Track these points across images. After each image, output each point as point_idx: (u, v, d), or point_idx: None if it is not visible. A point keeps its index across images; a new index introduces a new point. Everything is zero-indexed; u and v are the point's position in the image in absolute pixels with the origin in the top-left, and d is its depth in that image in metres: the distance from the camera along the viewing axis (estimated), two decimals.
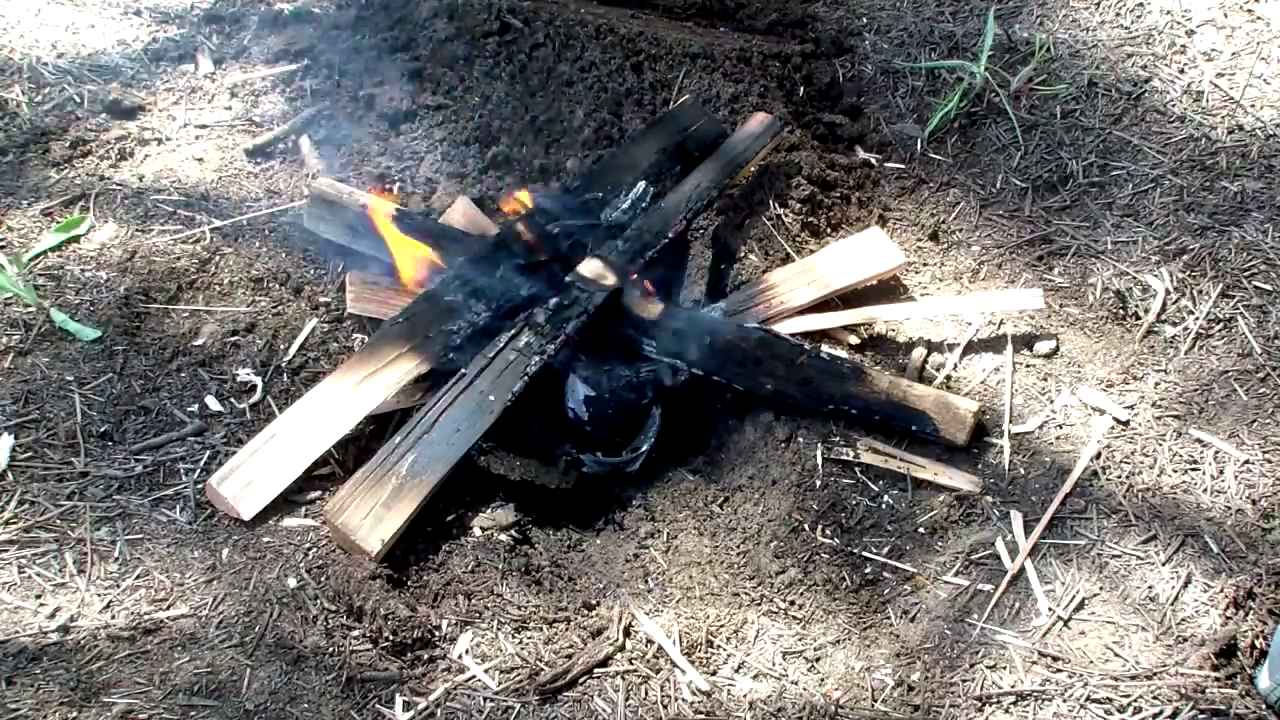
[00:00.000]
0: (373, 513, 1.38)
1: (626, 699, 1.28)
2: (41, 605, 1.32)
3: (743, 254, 1.73)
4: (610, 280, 1.61)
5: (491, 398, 1.49)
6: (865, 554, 1.42)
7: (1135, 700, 1.22)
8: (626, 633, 1.35)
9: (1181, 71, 1.86)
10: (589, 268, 1.62)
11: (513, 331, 1.55)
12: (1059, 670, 1.26)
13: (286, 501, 1.43)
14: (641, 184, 1.72)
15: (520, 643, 1.34)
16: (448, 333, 1.56)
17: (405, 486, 1.40)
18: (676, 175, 1.80)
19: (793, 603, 1.39)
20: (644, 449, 1.58)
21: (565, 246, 1.67)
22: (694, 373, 1.59)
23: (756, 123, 1.83)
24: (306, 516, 1.43)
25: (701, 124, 1.85)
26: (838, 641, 1.35)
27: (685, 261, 1.78)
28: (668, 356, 1.60)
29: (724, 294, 1.72)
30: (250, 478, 1.41)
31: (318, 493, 1.45)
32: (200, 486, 1.43)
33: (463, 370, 1.51)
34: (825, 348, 1.59)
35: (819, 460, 1.49)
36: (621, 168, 1.77)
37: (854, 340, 1.63)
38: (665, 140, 1.81)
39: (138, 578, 1.35)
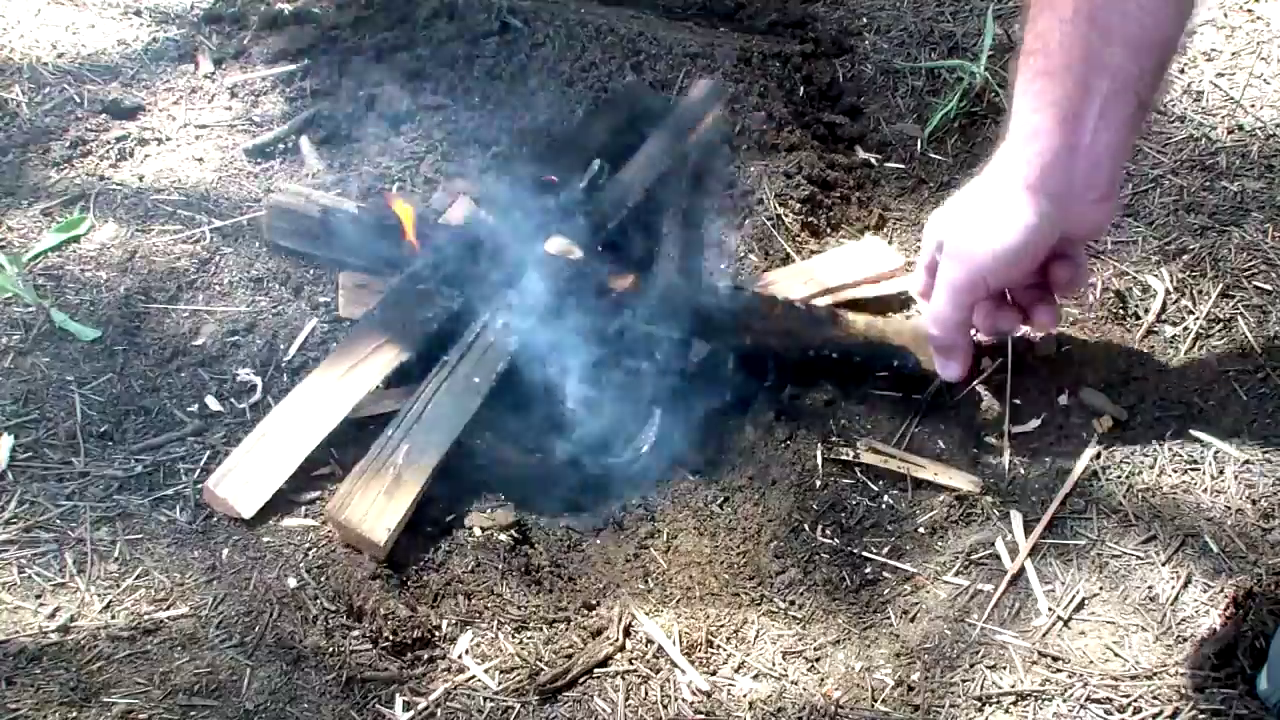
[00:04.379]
0: (375, 504, 1.38)
1: (626, 699, 1.29)
2: (41, 605, 1.32)
3: (742, 254, 1.73)
4: (576, 254, 1.62)
5: (476, 379, 1.50)
6: (865, 554, 1.42)
7: (1135, 700, 1.22)
8: (626, 633, 1.35)
9: (1181, 71, 1.86)
10: (554, 245, 1.63)
11: (488, 315, 1.56)
12: (1059, 670, 1.26)
13: (286, 501, 1.43)
14: (596, 162, 1.72)
15: (520, 643, 1.34)
16: (424, 320, 1.57)
17: (403, 475, 1.41)
18: (628, 151, 1.80)
19: (793, 603, 1.39)
20: (644, 449, 1.58)
21: (527, 230, 1.67)
22: (674, 337, 1.60)
23: (700, 88, 1.86)
24: (306, 516, 1.43)
25: (646, 101, 1.86)
26: (838, 641, 1.35)
27: (658, 233, 1.77)
28: (646, 324, 1.60)
29: None
30: (246, 477, 1.42)
31: (317, 492, 1.45)
32: (200, 486, 1.43)
33: (444, 358, 1.52)
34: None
35: (819, 460, 1.49)
36: (571, 151, 1.78)
37: None
38: (612, 120, 1.82)
39: (138, 578, 1.35)
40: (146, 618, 1.31)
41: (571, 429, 1.59)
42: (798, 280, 1.68)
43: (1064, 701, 1.24)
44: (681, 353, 1.61)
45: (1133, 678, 1.24)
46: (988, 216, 1.32)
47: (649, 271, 1.69)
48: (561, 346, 1.58)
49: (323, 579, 1.35)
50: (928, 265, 1.46)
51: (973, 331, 1.46)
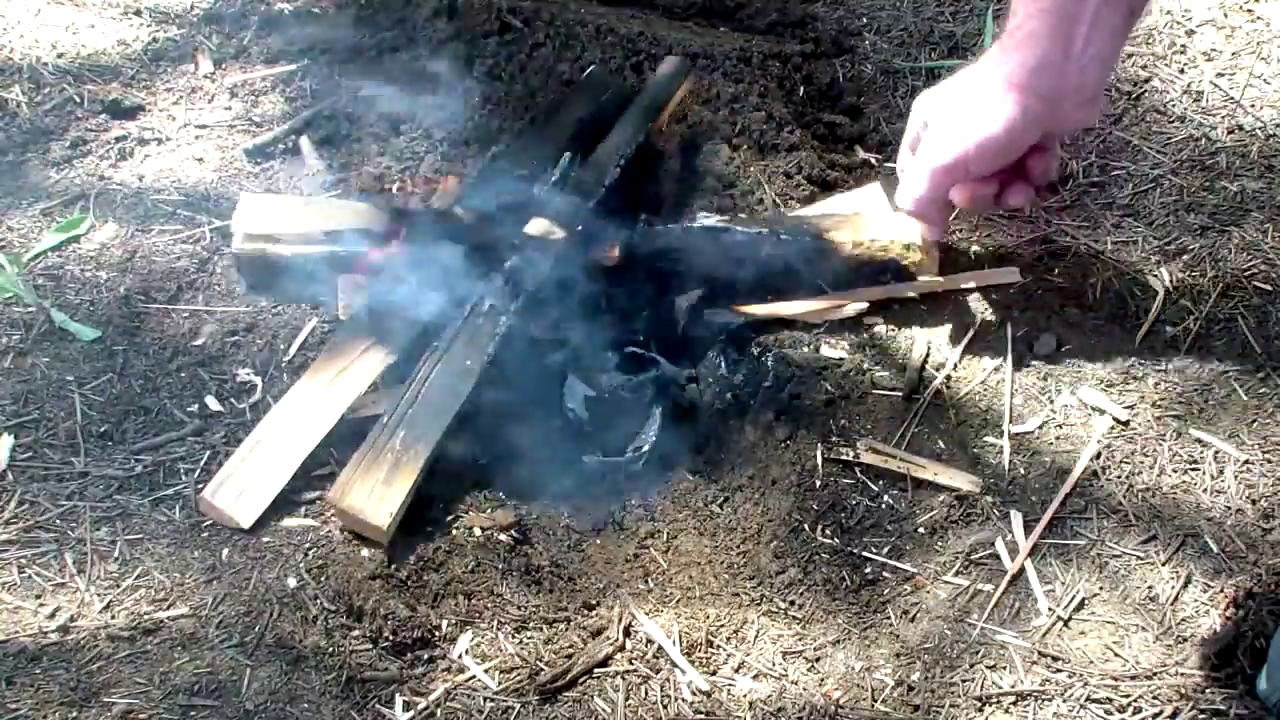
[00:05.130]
0: (375, 490, 1.39)
1: (626, 699, 1.29)
2: (41, 605, 1.32)
3: None
4: (559, 234, 1.62)
5: (468, 362, 1.51)
6: (865, 554, 1.42)
7: (1135, 700, 1.22)
8: (626, 633, 1.35)
9: (1181, 71, 1.86)
10: (535, 227, 1.64)
11: (474, 301, 1.57)
12: (1059, 670, 1.26)
13: (287, 501, 1.43)
14: (566, 155, 1.72)
15: (520, 643, 1.34)
16: (410, 321, 1.57)
17: (402, 460, 1.42)
18: (599, 138, 1.80)
19: (793, 603, 1.39)
20: (646, 448, 1.58)
21: (505, 221, 1.67)
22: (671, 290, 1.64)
23: (667, 66, 1.86)
24: (306, 516, 1.43)
25: (612, 89, 1.86)
26: (838, 641, 1.35)
27: (639, 203, 1.78)
28: (644, 284, 1.63)
29: None
30: (242, 486, 1.42)
31: (318, 492, 1.45)
32: (200, 486, 1.43)
33: (435, 344, 1.52)
34: (827, 349, 1.60)
35: (819, 460, 1.49)
36: (542, 143, 1.79)
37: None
38: (580, 110, 1.83)
39: (138, 578, 1.35)
40: (146, 618, 1.31)
41: (567, 411, 1.59)
42: None
43: (1064, 701, 1.24)
44: (670, 304, 1.62)
45: (1133, 678, 1.24)
46: (975, 108, 1.34)
47: (632, 229, 1.69)
48: (553, 323, 1.59)
49: (322, 579, 1.36)
50: (912, 143, 1.48)
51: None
